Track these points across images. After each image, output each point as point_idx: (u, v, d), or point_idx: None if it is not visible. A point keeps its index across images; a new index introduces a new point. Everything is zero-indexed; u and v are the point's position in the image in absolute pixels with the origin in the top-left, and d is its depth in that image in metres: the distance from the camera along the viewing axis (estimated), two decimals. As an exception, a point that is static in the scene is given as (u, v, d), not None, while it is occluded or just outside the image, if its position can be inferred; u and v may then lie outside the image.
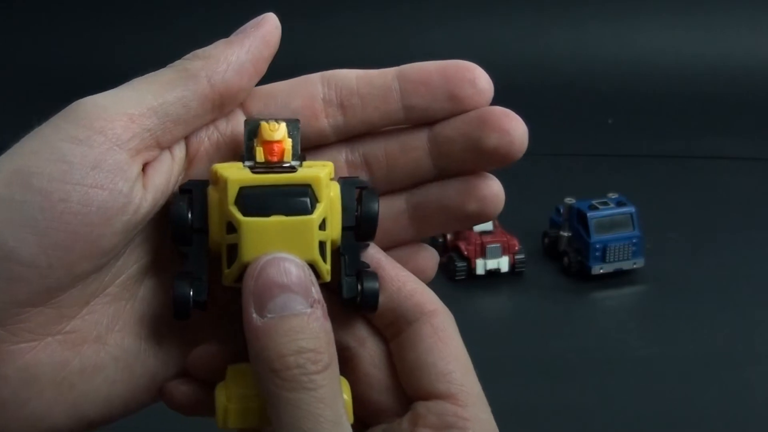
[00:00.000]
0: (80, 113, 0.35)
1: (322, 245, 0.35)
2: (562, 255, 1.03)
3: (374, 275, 0.36)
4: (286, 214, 0.34)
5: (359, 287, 0.36)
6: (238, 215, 0.34)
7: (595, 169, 1.27)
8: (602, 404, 0.83)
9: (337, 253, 0.36)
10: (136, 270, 0.37)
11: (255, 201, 0.34)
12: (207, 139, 0.38)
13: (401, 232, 0.39)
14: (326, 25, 1.53)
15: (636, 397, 0.84)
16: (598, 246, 0.99)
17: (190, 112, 0.36)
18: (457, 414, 0.36)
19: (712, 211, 1.17)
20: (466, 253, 1.00)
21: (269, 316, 0.33)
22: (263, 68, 0.38)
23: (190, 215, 0.35)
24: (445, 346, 0.37)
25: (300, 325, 0.33)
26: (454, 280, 0.99)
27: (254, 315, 0.33)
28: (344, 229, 0.36)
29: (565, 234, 1.02)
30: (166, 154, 0.36)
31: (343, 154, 0.39)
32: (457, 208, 0.38)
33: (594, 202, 1.02)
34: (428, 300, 0.38)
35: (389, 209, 0.38)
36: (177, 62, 0.37)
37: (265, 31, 0.38)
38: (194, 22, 1.58)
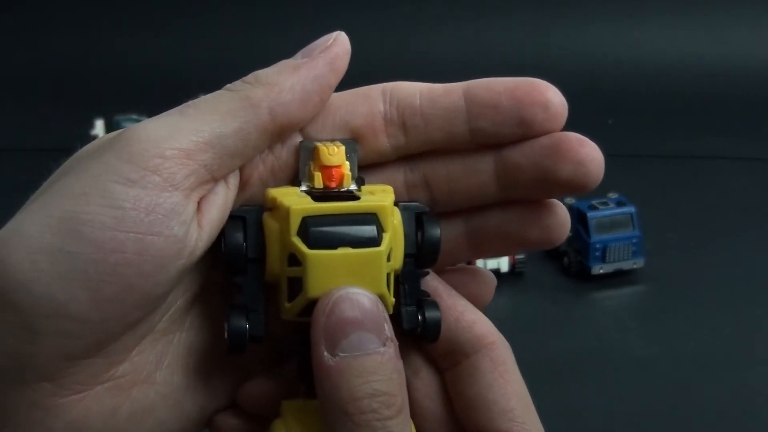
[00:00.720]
0: (132, 148, 0.32)
1: (387, 277, 0.33)
2: (562, 255, 1.03)
3: (435, 304, 0.35)
4: (354, 247, 0.32)
5: (419, 317, 0.34)
6: (304, 248, 0.32)
7: (595, 169, 1.26)
8: (602, 404, 0.83)
9: (396, 281, 0.34)
10: (184, 301, 0.35)
11: (320, 233, 0.32)
12: (261, 163, 0.35)
13: (458, 256, 0.37)
14: (326, 25, 1.53)
15: (636, 397, 0.84)
16: (598, 246, 0.99)
17: (248, 144, 0.33)
18: None
19: (712, 211, 1.17)
20: (466, 253, 1.00)
21: (341, 355, 0.31)
22: (328, 97, 0.35)
23: (245, 245, 0.33)
24: (506, 382, 0.35)
25: (374, 365, 0.31)
26: (454, 280, 0.99)
27: (325, 354, 0.31)
28: (405, 256, 0.34)
29: (565, 234, 1.02)
30: (221, 185, 0.34)
31: (402, 173, 0.36)
32: (518, 234, 0.36)
33: (594, 202, 1.02)
34: (487, 331, 0.36)
35: (448, 232, 0.36)
36: (236, 85, 0.34)
37: (335, 55, 0.35)
38: (195, 21, 1.58)
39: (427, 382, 0.36)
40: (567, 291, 1.00)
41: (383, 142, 0.35)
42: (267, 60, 0.36)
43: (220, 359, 0.36)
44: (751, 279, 1.03)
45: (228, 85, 0.34)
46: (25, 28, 1.58)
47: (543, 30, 1.57)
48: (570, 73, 1.51)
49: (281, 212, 0.32)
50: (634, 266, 1.01)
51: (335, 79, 0.35)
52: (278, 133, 0.34)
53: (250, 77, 0.34)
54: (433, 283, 0.36)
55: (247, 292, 0.33)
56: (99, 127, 1.06)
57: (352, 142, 0.34)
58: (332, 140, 0.34)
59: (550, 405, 0.83)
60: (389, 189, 0.34)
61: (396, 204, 0.34)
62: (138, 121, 1.05)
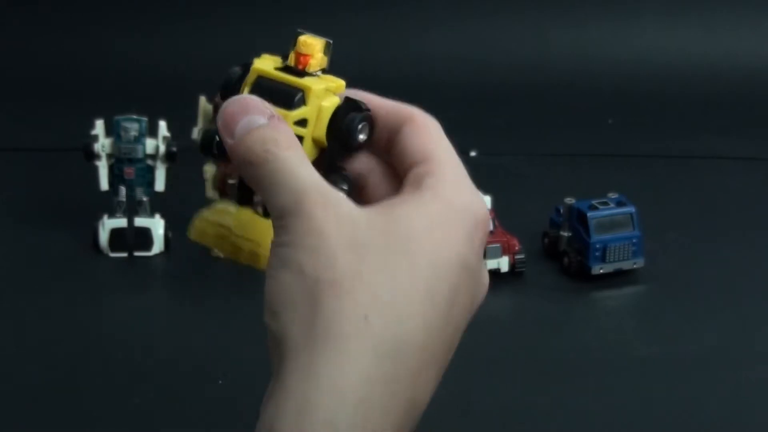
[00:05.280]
0: None
1: (297, 137, 0.42)
2: (562, 255, 1.03)
3: (346, 175, 0.44)
4: (275, 104, 0.42)
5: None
6: (245, 92, 0.43)
7: (595, 169, 1.27)
8: (602, 404, 0.83)
9: (322, 153, 0.44)
10: None
11: (260, 87, 0.43)
12: None
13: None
14: (326, 25, 1.53)
15: (636, 397, 0.84)
16: (598, 246, 0.99)
17: None
18: (427, 170, 0.41)
19: (712, 211, 1.17)
20: (466, 253, 1.00)
21: (238, 136, 0.40)
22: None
23: (236, 80, 0.44)
24: (423, 132, 0.42)
25: (263, 131, 0.40)
26: (454, 280, 0.99)
27: (228, 140, 0.40)
28: (332, 137, 0.43)
29: (565, 234, 1.02)
30: None
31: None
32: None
33: (594, 202, 1.02)
34: (411, 109, 0.44)
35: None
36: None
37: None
38: (195, 21, 1.58)
39: (380, 177, 0.44)
40: (567, 291, 1.00)
41: None
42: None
43: None
44: (751, 279, 1.03)
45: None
46: (25, 28, 1.57)
47: (543, 30, 1.57)
48: (570, 73, 1.51)
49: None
50: (634, 266, 1.01)
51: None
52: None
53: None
54: (367, 95, 0.44)
55: None
56: (99, 127, 1.05)
57: (329, 42, 0.44)
58: (315, 36, 0.44)
59: (551, 405, 0.83)
60: (339, 82, 0.44)
61: (344, 97, 0.44)
62: (138, 121, 1.05)
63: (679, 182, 1.25)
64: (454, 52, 1.51)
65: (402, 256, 0.38)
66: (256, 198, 0.44)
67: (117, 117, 1.05)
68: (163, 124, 1.05)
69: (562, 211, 1.03)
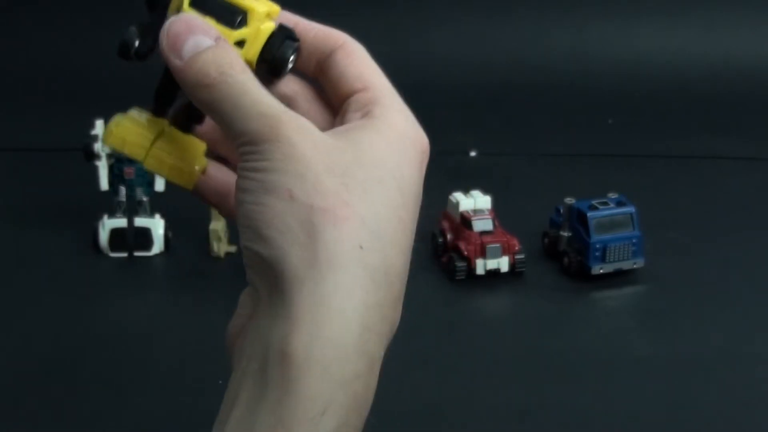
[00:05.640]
0: None
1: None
2: (562, 255, 1.03)
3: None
4: (217, 21, 0.42)
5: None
6: (186, 4, 0.42)
7: (595, 169, 1.27)
8: (602, 404, 0.83)
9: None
10: None
11: (201, 3, 0.42)
12: None
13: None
14: (326, 25, 1.53)
15: (636, 397, 0.84)
16: (598, 246, 0.99)
17: None
18: (371, 98, 0.42)
19: (712, 211, 1.17)
20: (466, 253, 1.00)
21: (186, 57, 0.40)
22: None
23: None
24: (357, 58, 0.43)
25: (212, 53, 0.40)
26: (454, 280, 0.99)
27: (176, 61, 0.40)
28: (263, 61, 0.43)
29: (565, 234, 1.02)
30: None
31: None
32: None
33: (594, 202, 1.02)
34: (338, 35, 0.44)
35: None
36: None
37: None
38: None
39: (309, 95, 0.44)
40: (567, 291, 1.00)
41: None
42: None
43: None
44: (751, 279, 1.03)
45: None
46: (25, 28, 1.58)
47: (543, 30, 1.57)
48: (570, 73, 1.51)
49: None
50: (634, 266, 1.01)
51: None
52: None
53: None
54: (294, 18, 0.45)
55: (154, 21, 0.43)
56: (99, 127, 1.05)
57: None
58: None
59: (551, 405, 0.83)
60: (275, 8, 0.44)
61: (278, 24, 0.43)
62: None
63: (679, 182, 1.25)
64: (454, 52, 1.51)
65: (377, 184, 0.39)
66: (171, 109, 0.44)
67: (117, 117, 1.05)
68: (163, 124, 1.05)
69: (562, 211, 1.03)
